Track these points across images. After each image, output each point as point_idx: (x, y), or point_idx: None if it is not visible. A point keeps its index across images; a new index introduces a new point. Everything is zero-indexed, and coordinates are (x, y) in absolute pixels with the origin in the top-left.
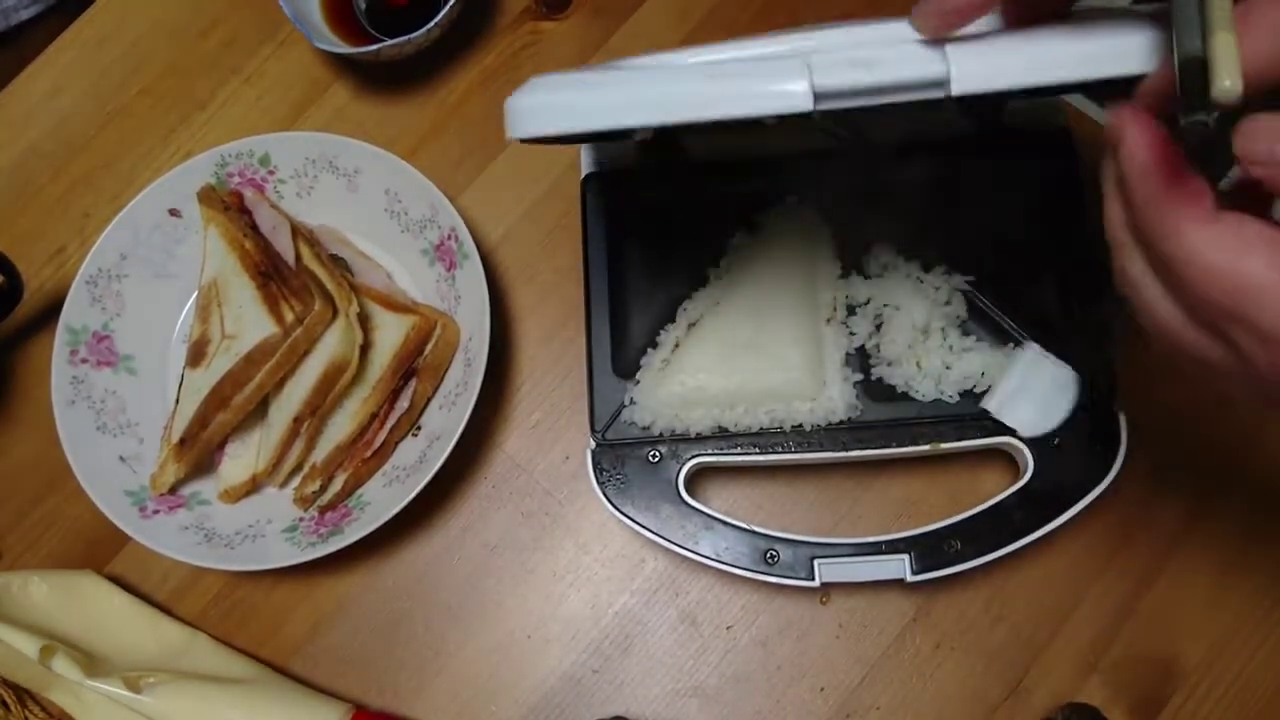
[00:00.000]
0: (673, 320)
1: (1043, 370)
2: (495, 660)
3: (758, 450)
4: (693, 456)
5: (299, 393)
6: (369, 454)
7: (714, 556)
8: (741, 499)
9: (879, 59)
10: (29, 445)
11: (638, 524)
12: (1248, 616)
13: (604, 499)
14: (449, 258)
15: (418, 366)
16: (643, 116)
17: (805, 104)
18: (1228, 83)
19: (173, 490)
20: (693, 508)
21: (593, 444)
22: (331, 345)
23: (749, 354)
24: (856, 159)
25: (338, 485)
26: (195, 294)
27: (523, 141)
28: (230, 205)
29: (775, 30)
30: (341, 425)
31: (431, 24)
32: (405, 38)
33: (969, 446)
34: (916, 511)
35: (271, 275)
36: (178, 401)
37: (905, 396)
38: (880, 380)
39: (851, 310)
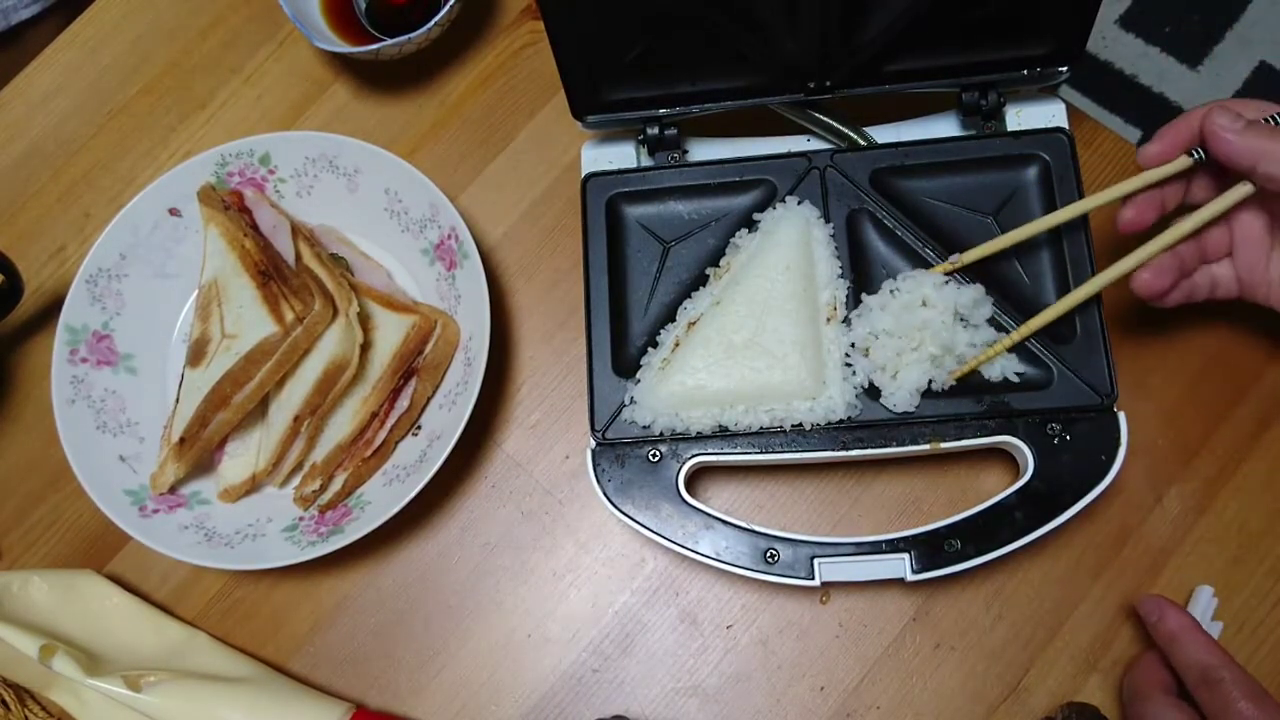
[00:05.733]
0: (673, 320)
1: None
2: (495, 660)
3: (758, 449)
4: (693, 456)
5: (299, 392)
6: (369, 453)
7: (714, 556)
8: (741, 498)
9: None
10: (29, 445)
11: (638, 523)
12: (1248, 616)
13: (604, 498)
14: (449, 257)
15: (418, 366)
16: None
17: None
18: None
19: (173, 490)
20: (693, 507)
21: (593, 443)
22: (332, 345)
23: (749, 353)
24: (858, 160)
25: (338, 485)
26: (195, 293)
27: None
28: (230, 205)
29: None
30: (341, 425)
31: (431, 24)
32: (405, 37)
33: (969, 446)
34: (916, 511)
35: (271, 275)
36: (178, 401)
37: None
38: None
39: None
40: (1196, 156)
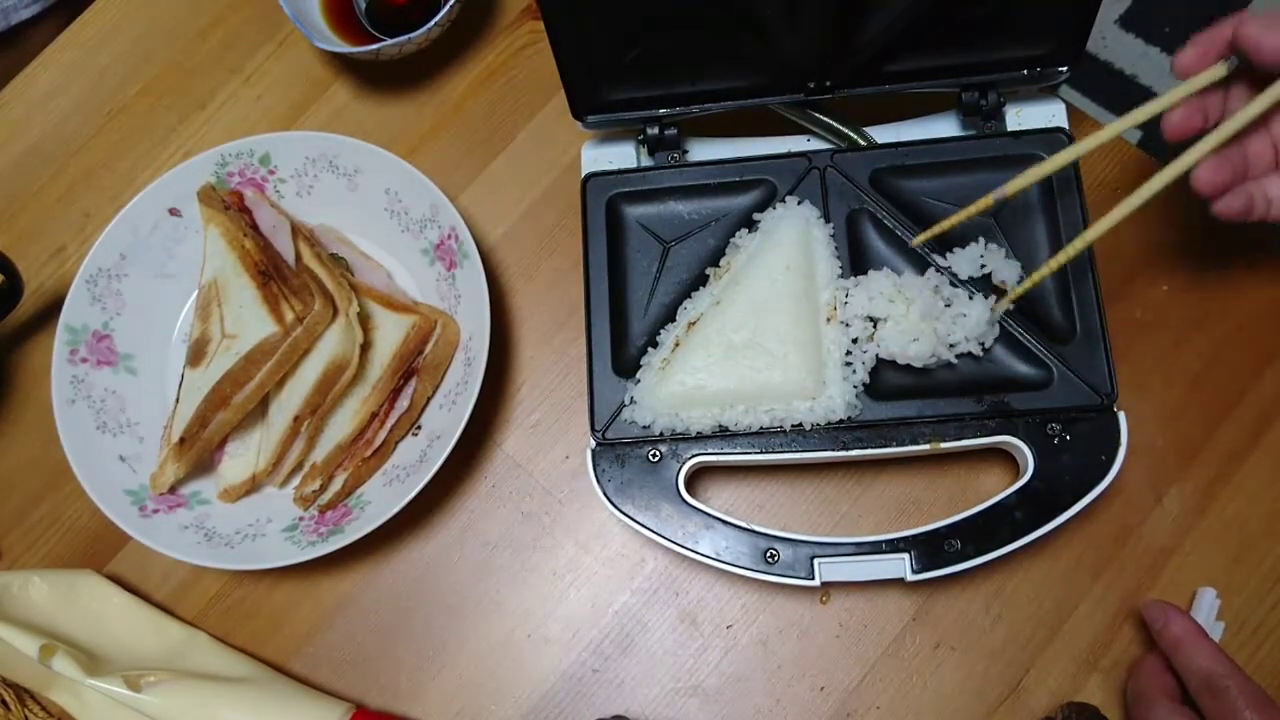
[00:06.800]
0: (673, 320)
1: None
2: (495, 660)
3: (757, 450)
4: (693, 456)
5: (299, 392)
6: (369, 453)
7: (714, 556)
8: (741, 498)
9: None
10: (29, 445)
11: (638, 523)
12: (1248, 616)
13: (604, 498)
14: (449, 257)
15: (418, 366)
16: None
17: None
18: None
19: (173, 490)
20: (693, 507)
21: (593, 443)
22: (332, 345)
23: (749, 353)
24: (858, 160)
25: (338, 485)
26: (195, 293)
27: None
28: (230, 205)
29: None
30: (342, 425)
31: (431, 24)
32: (405, 37)
33: (969, 446)
34: (916, 511)
35: (271, 275)
36: (178, 401)
37: (905, 395)
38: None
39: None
40: (1231, 64)
